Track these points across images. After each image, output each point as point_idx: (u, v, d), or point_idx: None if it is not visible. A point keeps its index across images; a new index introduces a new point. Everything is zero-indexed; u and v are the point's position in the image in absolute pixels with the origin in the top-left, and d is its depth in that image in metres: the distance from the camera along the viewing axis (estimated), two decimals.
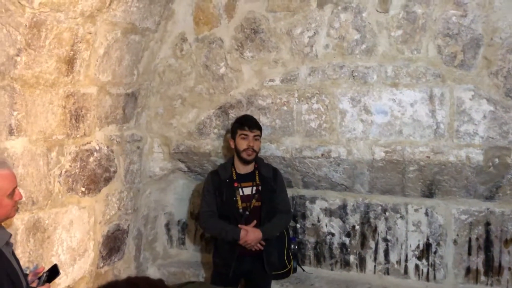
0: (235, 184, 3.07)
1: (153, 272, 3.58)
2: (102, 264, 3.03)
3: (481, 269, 3.10)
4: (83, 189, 2.83)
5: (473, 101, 2.87)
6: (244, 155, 3.04)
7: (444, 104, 2.92)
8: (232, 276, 3.00)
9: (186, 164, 3.62)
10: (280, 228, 3.17)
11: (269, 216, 3.05)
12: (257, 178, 3.08)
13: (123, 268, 3.25)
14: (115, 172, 3.12)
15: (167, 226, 3.81)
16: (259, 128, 3.09)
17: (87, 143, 2.86)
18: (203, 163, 3.55)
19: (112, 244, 3.14)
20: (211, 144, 3.46)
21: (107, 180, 3.06)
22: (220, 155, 3.46)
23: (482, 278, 3.10)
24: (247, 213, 3.04)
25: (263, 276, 3.06)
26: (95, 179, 2.93)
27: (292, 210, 3.36)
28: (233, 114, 3.38)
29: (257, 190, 3.07)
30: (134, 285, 0.93)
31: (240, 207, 3.04)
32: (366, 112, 3.08)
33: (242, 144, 3.03)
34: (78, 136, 2.75)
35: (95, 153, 2.92)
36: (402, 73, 2.99)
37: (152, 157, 3.56)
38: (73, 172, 2.73)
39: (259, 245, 2.96)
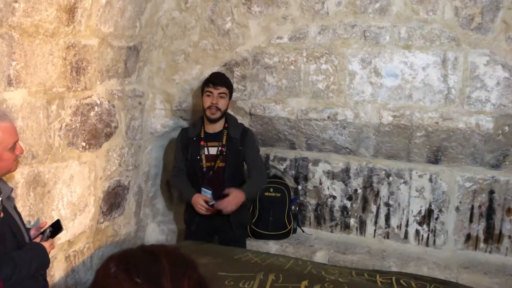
0: (201, 143, 3.04)
1: (153, 228, 3.59)
2: (102, 220, 3.01)
3: (481, 237, 3.11)
4: (83, 144, 2.76)
5: (488, 66, 2.79)
6: (207, 113, 2.98)
7: (457, 69, 2.84)
8: (199, 232, 3.03)
9: (188, 122, 3.55)
10: (259, 187, 3.16)
11: (233, 178, 3.02)
12: (224, 138, 3.02)
13: (123, 224, 3.24)
14: (116, 127, 3.06)
15: (168, 184, 3.77)
16: (226, 85, 2.99)
17: (88, 97, 2.77)
18: None
19: (113, 200, 3.11)
20: None
21: (108, 136, 2.99)
22: None
23: (482, 245, 3.11)
24: (211, 173, 3.01)
25: (232, 233, 3.05)
26: (96, 134, 2.86)
27: (264, 167, 3.32)
28: (238, 72, 3.28)
29: (221, 151, 3.02)
30: (150, 253, 0.87)
31: (205, 166, 3.01)
32: (376, 75, 2.99)
33: (206, 102, 2.97)
34: (78, 89, 2.66)
35: (96, 107, 2.84)
36: (415, 35, 2.89)
37: (154, 113, 3.48)
38: (73, 126, 2.66)
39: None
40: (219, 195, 2.97)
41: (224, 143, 3.03)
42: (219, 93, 2.96)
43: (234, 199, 2.91)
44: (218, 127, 3.06)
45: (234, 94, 3.27)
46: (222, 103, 2.97)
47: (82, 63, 2.66)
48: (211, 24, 3.29)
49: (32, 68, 2.29)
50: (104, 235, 3.06)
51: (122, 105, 3.09)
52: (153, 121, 3.48)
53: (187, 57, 3.38)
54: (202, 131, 3.08)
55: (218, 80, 2.99)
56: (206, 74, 3.34)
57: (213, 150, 3.06)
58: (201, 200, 2.96)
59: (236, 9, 3.22)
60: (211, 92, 2.96)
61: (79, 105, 2.70)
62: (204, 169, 3.03)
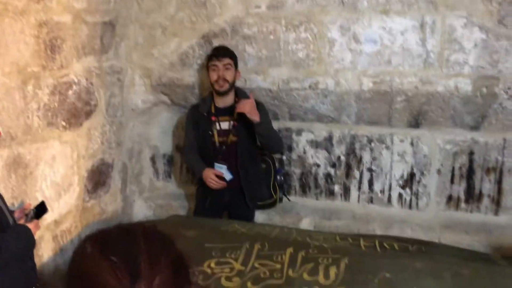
0: (212, 118, 3.02)
1: (140, 204, 3.60)
2: (88, 198, 3.02)
3: (462, 197, 3.18)
4: (63, 123, 2.73)
5: (465, 29, 2.79)
6: (216, 86, 2.96)
7: (435, 33, 2.84)
8: (211, 208, 3.05)
9: (169, 97, 3.52)
10: (275, 136, 3.10)
11: (247, 152, 3.02)
12: (235, 112, 3.02)
13: (110, 202, 3.25)
14: (96, 105, 3.02)
15: (153, 160, 3.77)
16: (230, 55, 2.96)
17: (65, 75, 2.72)
18: (187, 96, 3.45)
19: (97, 178, 3.11)
20: (195, 76, 3.34)
21: (88, 114, 2.96)
22: (205, 88, 3.36)
23: (463, 205, 3.19)
24: (224, 148, 3.00)
25: (244, 209, 3.08)
26: (75, 113, 2.83)
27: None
28: (217, 44, 3.24)
29: (234, 125, 3.01)
30: (127, 232, 0.87)
31: (217, 142, 3.01)
32: (355, 41, 2.98)
33: (213, 76, 2.94)
34: (54, 68, 2.61)
35: (74, 85, 2.80)
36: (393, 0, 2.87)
37: (134, 89, 3.43)
38: (52, 106, 2.62)
39: (223, 183, 2.95)
40: (233, 170, 2.99)
41: (236, 117, 3.01)
42: (224, 65, 2.93)
43: (250, 102, 2.86)
44: (229, 101, 3.04)
45: None
46: (229, 75, 2.95)
47: (57, 41, 2.60)
48: None
49: (3, 47, 2.24)
50: (91, 214, 3.06)
51: (100, 82, 3.05)
52: (133, 97, 3.44)
53: (164, 30, 3.33)
54: (213, 107, 3.05)
55: (221, 52, 2.96)
56: (185, 47, 3.31)
57: (224, 125, 3.04)
58: (212, 174, 2.96)
59: None
60: (216, 65, 2.92)
61: (56, 84, 2.65)
62: (217, 144, 3.02)
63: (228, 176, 3.01)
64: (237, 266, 2.18)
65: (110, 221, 3.21)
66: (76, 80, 2.81)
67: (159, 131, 3.73)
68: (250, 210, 3.14)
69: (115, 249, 0.82)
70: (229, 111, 3.03)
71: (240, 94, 3.08)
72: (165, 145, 3.77)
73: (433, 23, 2.82)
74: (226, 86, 2.96)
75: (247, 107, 2.86)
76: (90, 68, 2.95)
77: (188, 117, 3.15)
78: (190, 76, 3.35)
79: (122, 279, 0.78)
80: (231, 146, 3.02)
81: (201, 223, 2.75)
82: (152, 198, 3.67)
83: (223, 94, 2.99)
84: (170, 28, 3.31)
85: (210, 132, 3.02)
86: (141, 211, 3.58)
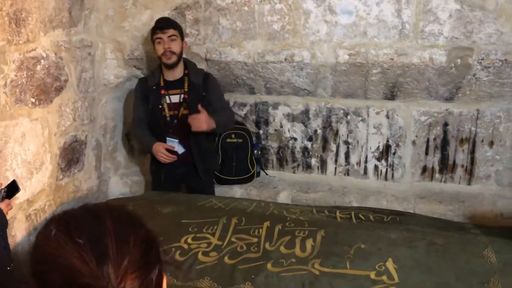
0: (162, 92, 2.99)
1: (115, 181, 3.55)
2: (61, 176, 2.95)
3: (437, 168, 3.23)
4: (32, 100, 2.64)
5: None
6: (163, 59, 2.92)
7: (411, 3, 2.81)
8: (167, 182, 3.04)
9: (143, 71, 3.44)
10: (228, 124, 3.10)
11: None
12: (185, 85, 2.97)
13: (84, 179, 3.20)
14: (66, 80, 2.93)
15: (128, 136, 3.70)
16: (174, 26, 2.92)
17: (32, 50, 2.62)
18: None
19: (71, 156, 3.04)
20: None
21: (59, 90, 2.87)
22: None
23: (437, 175, 3.24)
24: (175, 121, 2.97)
25: (199, 181, 3.08)
26: (45, 89, 2.74)
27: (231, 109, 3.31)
28: (190, 16, 3.16)
29: (185, 98, 2.97)
30: (93, 213, 0.84)
31: (168, 115, 2.98)
32: (331, 12, 2.94)
33: (159, 49, 2.90)
34: (20, 42, 2.50)
35: (42, 60, 2.70)
36: None
37: (106, 64, 3.34)
38: (19, 82, 2.53)
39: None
40: (185, 143, 2.95)
41: (186, 90, 2.98)
42: (169, 36, 2.88)
43: (204, 117, 2.84)
44: (178, 73, 2.99)
45: (188, 39, 3.17)
46: (175, 46, 2.90)
47: (21, 14, 2.49)
48: None
49: None
50: (65, 192, 3.01)
51: (70, 57, 2.95)
52: (106, 72, 3.35)
53: (135, 2, 3.22)
54: (162, 80, 3.01)
55: (164, 23, 2.91)
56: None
57: (175, 98, 3.00)
58: (162, 148, 2.94)
59: None
60: (160, 38, 2.88)
61: (23, 59, 2.55)
62: (168, 118, 2.99)
63: (180, 149, 2.99)
64: (214, 241, 2.18)
65: (85, 199, 3.17)
66: (44, 55, 2.71)
67: None
68: (206, 182, 3.12)
69: (81, 230, 0.79)
70: (179, 84, 2.99)
71: (190, 66, 3.04)
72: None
73: None
74: (174, 57, 2.91)
75: (203, 126, 2.84)
76: (59, 42, 2.84)
77: (137, 91, 3.10)
78: None
79: (89, 261, 0.75)
80: (182, 119, 2.97)
81: (177, 199, 2.73)
82: (128, 174, 3.63)
83: (171, 66, 2.95)
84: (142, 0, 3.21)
85: (160, 106, 2.98)
86: (117, 188, 3.54)
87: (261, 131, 3.51)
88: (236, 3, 3.07)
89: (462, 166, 3.18)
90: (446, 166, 3.21)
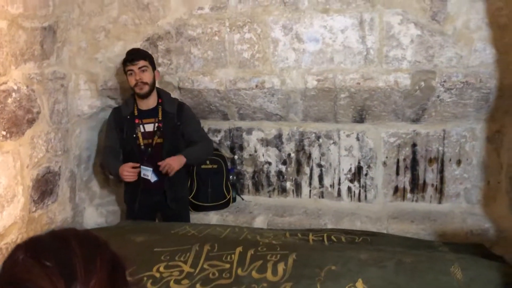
0: (136, 121, 3.03)
1: (91, 212, 3.53)
2: (34, 209, 2.93)
3: (408, 187, 3.30)
4: (4, 132, 2.64)
5: (402, 25, 2.89)
6: (136, 90, 2.97)
7: (374, 30, 2.93)
8: (141, 210, 3.05)
9: (117, 101, 3.47)
10: (203, 153, 3.16)
11: (172, 153, 3.01)
12: (160, 114, 3.02)
13: (58, 211, 3.17)
14: (38, 112, 2.94)
15: (102, 166, 3.70)
16: (143, 57, 2.97)
17: (3, 83, 2.63)
18: None
19: (44, 188, 3.02)
20: None
21: (31, 122, 2.88)
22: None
23: (409, 195, 3.31)
24: (150, 150, 3.01)
25: (173, 209, 3.09)
26: (16, 122, 2.74)
27: (209, 138, 3.36)
28: (162, 46, 3.23)
29: (159, 127, 3.02)
30: (59, 237, 0.87)
31: (142, 144, 3.01)
32: (298, 40, 3.04)
33: (131, 80, 2.96)
34: None
35: (13, 93, 2.71)
36: None
37: (79, 95, 3.36)
38: None
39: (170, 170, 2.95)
40: (159, 172, 2.98)
41: (160, 118, 3.02)
42: (140, 68, 2.93)
43: (173, 159, 2.92)
44: (151, 103, 3.04)
45: (161, 69, 3.23)
46: (146, 76, 2.95)
47: None
48: None
49: None
50: (39, 224, 2.98)
51: (42, 89, 2.97)
52: (79, 102, 3.37)
53: (107, 34, 3.28)
54: (136, 109, 3.05)
55: (134, 55, 2.96)
56: None
57: (149, 127, 3.04)
58: (127, 166, 2.96)
59: None
60: (131, 70, 2.94)
61: None
62: (142, 147, 3.02)
63: (153, 178, 3.01)
64: (186, 268, 2.18)
65: None
66: (15, 88, 2.73)
67: None
68: (179, 210, 3.14)
69: (48, 254, 0.81)
70: (153, 113, 3.04)
71: (163, 95, 3.09)
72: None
73: (371, 20, 2.92)
74: (147, 87, 2.96)
75: (175, 167, 2.92)
76: (31, 74, 2.86)
77: (110, 120, 3.14)
78: None
79: (57, 282, 0.77)
80: (157, 147, 3.01)
81: (151, 227, 2.73)
82: (104, 204, 3.61)
83: (144, 96, 2.99)
84: (114, 31, 3.27)
85: (134, 135, 3.02)
86: (92, 219, 3.51)
87: (236, 157, 3.56)
88: (206, 33, 3.15)
89: (432, 185, 3.26)
90: (417, 186, 3.29)
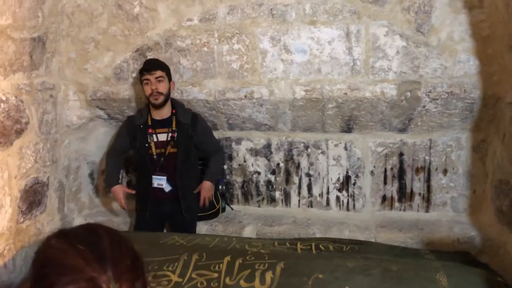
0: (149, 130, 3.05)
1: (79, 223, 3.48)
2: (22, 219, 2.92)
3: (395, 196, 3.34)
4: None
5: (387, 37, 2.95)
6: (151, 99, 3.00)
7: (360, 41, 2.98)
8: (152, 220, 3.07)
9: (106, 111, 3.48)
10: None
11: (185, 163, 3.05)
12: (173, 124, 3.05)
13: (47, 221, 3.16)
14: (27, 123, 2.94)
15: (91, 176, 3.70)
16: (161, 68, 3.00)
17: None
18: (124, 110, 3.43)
19: (32, 198, 3.01)
20: (130, 90, 3.33)
21: (19, 132, 2.88)
22: (141, 101, 3.35)
23: (396, 204, 3.35)
24: (162, 159, 3.03)
25: (184, 220, 3.11)
26: (4, 132, 2.74)
27: (222, 146, 3.45)
28: (152, 57, 3.25)
29: (172, 136, 3.04)
30: (87, 226, 0.97)
31: (155, 153, 3.03)
32: (286, 52, 3.08)
33: (147, 90, 2.99)
34: None
35: (1, 104, 2.71)
36: (319, 10, 2.99)
37: (68, 105, 3.37)
38: None
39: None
40: (172, 181, 3.03)
41: (174, 128, 3.05)
42: (156, 78, 2.96)
43: (207, 191, 3.12)
44: (165, 113, 3.07)
45: None
46: (162, 87, 2.98)
47: None
48: (119, 10, 3.22)
49: None
50: (26, 235, 2.96)
51: (31, 100, 2.97)
52: (68, 113, 3.37)
53: (97, 44, 3.30)
54: (149, 119, 3.08)
55: (151, 65, 2.99)
56: (119, 61, 3.30)
57: (162, 137, 3.06)
58: (122, 193, 3.08)
59: None
60: (148, 79, 2.96)
61: None
62: (155, 156, 3.04)
63: (167, 187, 3.03)
64: (175, 278, 2.18)
65: None
66: (4, 98, 2.73)
67: (97, 146, 3.68)
68: (189, 220, 3.15)
69: (80, 239, 0.90)
70: (166, 123, 3.06)
71: (177, 106, 3.11)
72: (104, 161, 3.70)
73: (358, 32, 2.97)
74: (162, 98, 2.99)
75: (210, 196, 3.20)
76: (19, 85, 2.87)
77: (123, 127, 3.18)
78: (125, 89, 3.34)
79: (91, 261, 0.86)
80: (170, 157, 3.04)
81: (139, 237, 2.71)
82: (92, 215, 3.60)
83: (159, 106, 3.01)
84: (103, 42, 3.29)
85: (146, 144, 3.03)
86: None
87: (225, 166, 3.57)
88: (195, 44, 3.18)
89: (420, 194, 3.30)
90: (404, 195, 3.32)
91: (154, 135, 3.05)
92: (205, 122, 3.21)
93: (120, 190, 3.06)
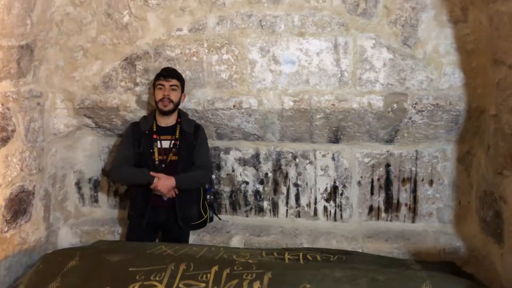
0: (154, 136, 3.08)
1: (65, 232, 3.47)
2: (6, 229, 2.87)
3: (382, 207, 3.36)
4: None
5: (374, 49, 3.00)
6: (160, 105, 3.02)
7: (348, 53, 3.02)
8: (147, 228, 3.04)
9: (93, 120, 3.46)
10: (196, 181, 3.15)
11: (185, 171, 3.06)
12: (177, 132, 3.07)
13: (32, 231, 3.12)
14: (13, 131, 2.91)
15: (78, 185, 3.67)
16: (177, 77, 3.05)
17: None
18: (112, 118, 3.42)
19: (17, 207, 2.97)
20: (119, 98, 3.33)
21: (5, 140, 2.85)
22: (129, 110, 3.34)
23: (383, 214, 3.37)
24: (163, 166, 3.03)
25: (178, 229, 3.09)
26: None
27: (211, 167, 3.39)
28: (141, 66, 3.26)
29: (175, 144, 3.06)
30: None
31: (157, 159, 3.04)
32: (275, 62, 3.11)
33: (158, 95, 3.02)
34: None
35: None
36: (308, 22, 3.03)
37: (55, 113, 3.35)
38: None
39: (172, 192, 3.00)
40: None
41: (177, 136, 3.07)
42: (171, 85, 3.00)
43: (165, 181, 2.94)
44: (171, 121, 3.10)
45: (138, 89, 3.26)
46: (174, 95, 3.02)
47: None
48: (108, 18, 3.23)
49: None
50: (11, 244, 2.92)
51: (18, 107, 2.95)
52: (55, 121, 3.35)
53: (86, 53, 3.29)
54: (155, 125, 3.10)
55: (169, 72, 3.04)
56: (108, 69, 3.30)
57: (165, 144, 3.08)
58: (164, 180, 2.96)
59: (133, 2, 3.18)
60: (162, 84, 3.00)
61: None
62: (156, 162, 3.04)
63: (166, 195, 3.02)
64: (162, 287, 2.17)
65: (32, 251, 3.08)
66: None
67: (84, 155, 3.65)
68: (183, 229, 3.14)
69: None
70: (171, 131, 3.09)
71: (182, 115, 3.16)
72: (91, 169, 3.68)
73: (346, 44, 3.01)
74: (171, 106, 3.02)
75: (163, 190, 2.97)
76: (6, 92, 2.85)
77: (128, 133, 3.16)
78: (114, 98, 3.33)
79: None
80: (170, 164, 3.05)
81: (127, 247, 2.71)
82: (78, 224, 3.56)
83: (167, 113, 3.04)
84: (92, 50, 3.29)
85: (151, 150, 3.04)
86: (66, 239, 3.45)
87: (213, 176, 3.57)
88: (185, 53, 3.20)
89: (406, 204, 3.33)
90: (391, 205, 3.35)
91: (158, 141, 3.07)
92: (205, 134, 3.24)
93: (161, 175, 2.96)
